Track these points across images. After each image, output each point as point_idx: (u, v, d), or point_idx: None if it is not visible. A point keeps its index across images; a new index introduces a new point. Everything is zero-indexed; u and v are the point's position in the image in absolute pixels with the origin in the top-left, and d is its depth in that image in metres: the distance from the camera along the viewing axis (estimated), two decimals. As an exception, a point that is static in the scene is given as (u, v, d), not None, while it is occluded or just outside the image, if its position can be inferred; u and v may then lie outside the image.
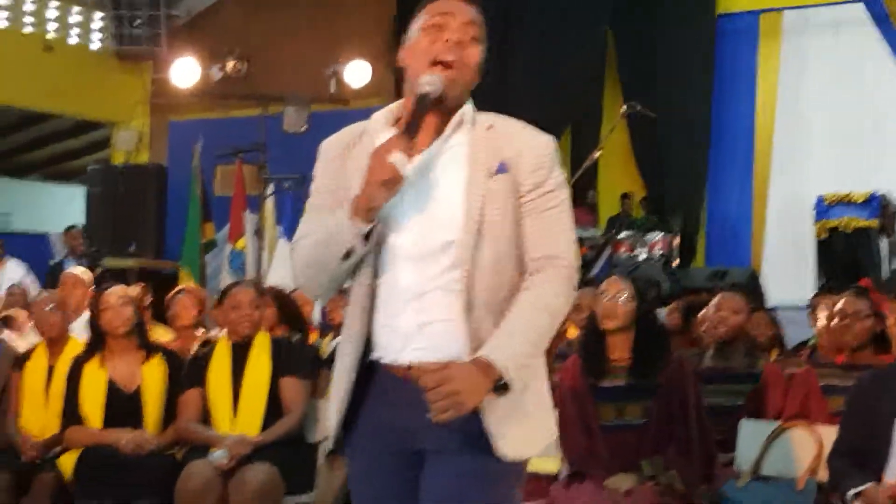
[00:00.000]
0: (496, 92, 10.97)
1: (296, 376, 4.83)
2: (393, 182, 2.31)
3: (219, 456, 4.51)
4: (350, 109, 9.76)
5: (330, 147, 2.59)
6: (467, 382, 2.29)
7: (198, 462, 4.55)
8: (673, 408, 4.11)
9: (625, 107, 7.83)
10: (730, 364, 4.83)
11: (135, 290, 5.91)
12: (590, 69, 11.34)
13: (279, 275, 8.68)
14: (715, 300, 4.95)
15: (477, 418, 2.38)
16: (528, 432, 2.44)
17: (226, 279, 9.28)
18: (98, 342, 4.98)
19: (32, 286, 8.14)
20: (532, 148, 2.45)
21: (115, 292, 5.00)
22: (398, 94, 2.61)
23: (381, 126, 2.51)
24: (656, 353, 4.22)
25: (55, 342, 5.21)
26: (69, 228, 9.37)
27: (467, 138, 2.46)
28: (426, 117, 2.41)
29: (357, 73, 9.95)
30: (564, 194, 2.48)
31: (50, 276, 8.75)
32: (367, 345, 2.48)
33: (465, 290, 2.39)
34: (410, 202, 2.42)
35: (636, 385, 4.17)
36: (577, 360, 4.33)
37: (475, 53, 2.46)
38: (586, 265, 10.52)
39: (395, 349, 2.45)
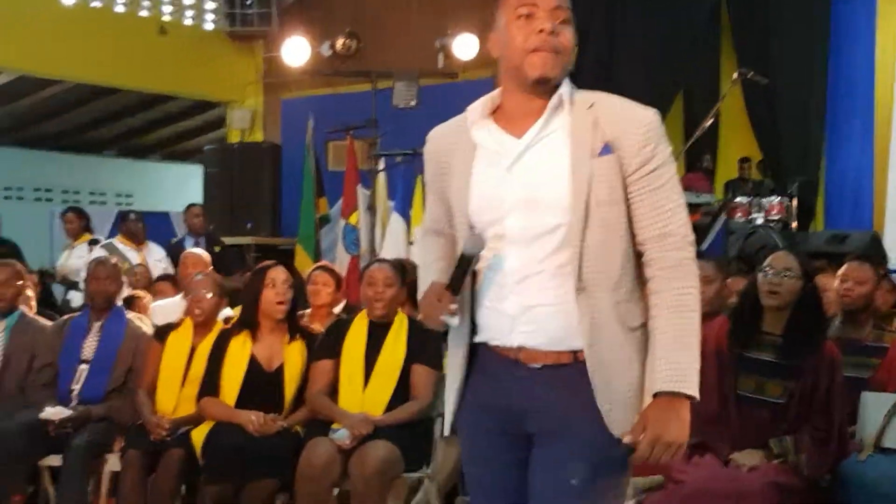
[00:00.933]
0: (606, 59, 10.89)
1: (427, 365, 4.85)
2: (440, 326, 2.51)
3: (341, 435, 4.59)
4: (459, 82, 9.76)
5: (431, 143, 2.64)
6: (672, 430, 2.36)
7: (319, 440, 4.63)
8: (818, 393, 4.02)
9: (735, 74, 7.66)
10: (858, 335, 4.71)
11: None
12: (702, 33, 11.13)
13: (392, 249, 8.76)
14: (841, 270, 4.82)
15: (584, 400, 2.40)
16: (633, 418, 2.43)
17: (340, 254, 9.41)
18: (249, 318, 5.07)
19: (169, 269, 8.39)
20: (636, 126, 2.41)
21: (281, 273, 5.05)
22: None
23: (477, 117, 2.52)
24: (810, 335, 4.11)
25: (203, 325, 5.30)
26: (189, 206, 9.57)
27: (568, 119, 2.44)
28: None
29: (465, 45, 9.94)
30: (672, 169, 2.45)
31: (171, 254, 8.97)
32: (472, 326, 2.55)
33: (575, 272, 2.39)
34: (515, 188, 2.44)
35: (781, 363, 4.09)
36: (726, 323, 4.25)
37: (568, 36, 2.45)
38: (701, 231, 10.37)
39: (502, 331, 2.49)
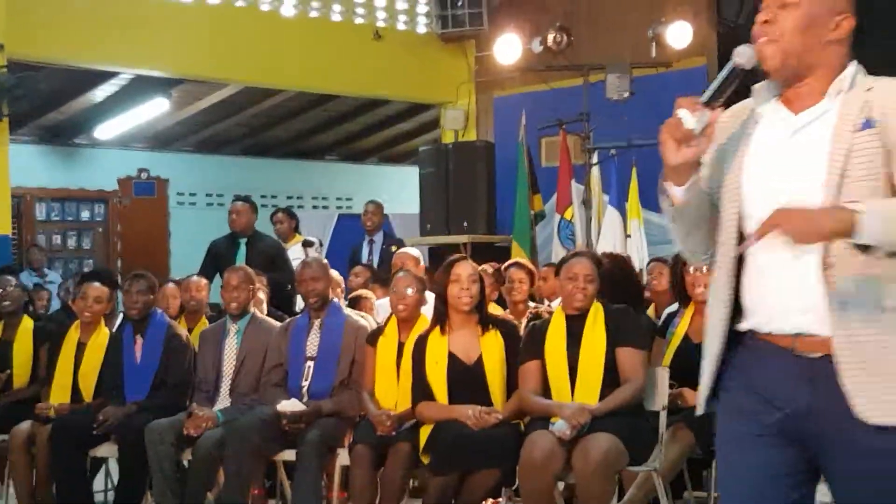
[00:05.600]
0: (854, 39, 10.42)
1: (632, 346, 4.83)
2: (678, 136, 2.34)
3: (560, 426, 4.59)
4: (673, 71, 9.58)
5: (722, 118, 2.55)
6: (799, 217, 2.21)
7: (540, 432, 4.64)
8: None
9: None
10: None
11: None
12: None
13: (608, 243, 8.70)
14: None
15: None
16: None
17: (556, 249, 9.41)
18: (442, 315, 5.16)
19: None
20: None
21: (467, 268, 5.12)
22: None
23: (764, 92, 2.50)
24: None
25: (407, 320, 5.43)
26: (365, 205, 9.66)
27: (842, 101, 2.39)
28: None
29: (678, 33, 9.75)
30: None
31: (352, 258, 9.18)
32: (739, 312, 2.46)
33: (822, 250, 2.31)
34: (774, 171, 2.41)
35: None
36: None
37: (789, 19, 2.39)
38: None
39: (771, 318, 2.40)
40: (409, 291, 5.42)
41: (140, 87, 12.23)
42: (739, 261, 2.45)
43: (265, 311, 6.37)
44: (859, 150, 2.31)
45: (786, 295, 2.37)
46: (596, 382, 4.80)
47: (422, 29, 12.06)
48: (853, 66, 2.44)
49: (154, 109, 13.02)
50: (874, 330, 2.28)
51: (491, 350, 5.05)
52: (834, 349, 2.29)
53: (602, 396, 4.76)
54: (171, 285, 6.91)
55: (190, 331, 6.36)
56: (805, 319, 2.34)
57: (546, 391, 4.89)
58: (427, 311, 5.53)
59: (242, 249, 8.16)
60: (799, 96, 2.44)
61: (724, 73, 2.39)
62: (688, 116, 2.33)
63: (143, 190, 14.41)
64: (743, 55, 2.39)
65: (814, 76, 2.42)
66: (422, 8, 12.00)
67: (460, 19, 11.45)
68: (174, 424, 5.53)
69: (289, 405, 5.33)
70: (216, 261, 8.04)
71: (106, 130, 13.68)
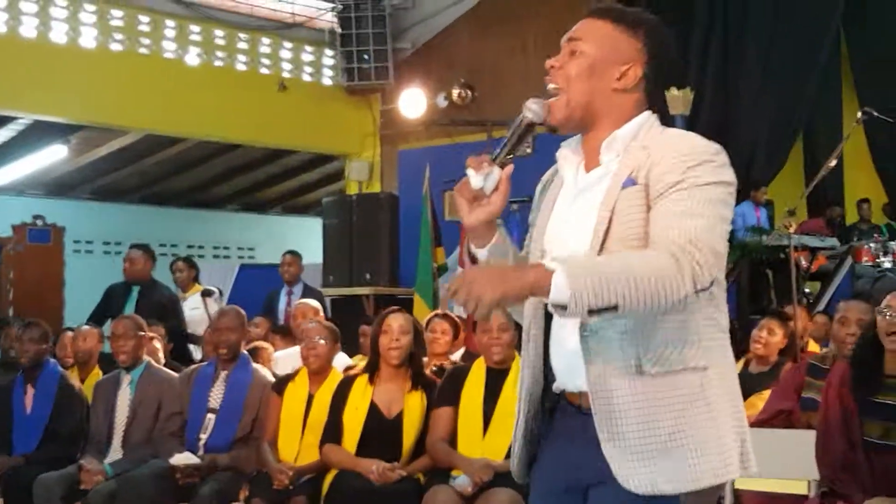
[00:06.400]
0: (723, 102, 10.75)
1: None
2: (467, 196, 2.23)
3: (462, 482, 4.56)
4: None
5: (540, 182, 2.55)
6: (485, 275, 2.07)
7: (441, 486, 4.62)
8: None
9: (859, 114, 7.48)
10: None
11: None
12: (822, 73, 10.93)
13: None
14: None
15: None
16: (670, 469, 2.18)
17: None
18: (373, 364, 5.09)
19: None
20: (670, 155, 2.21)
21: (398, 319, 5.08)
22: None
23: (568, 153, 2.41)
24: None
25: (318, 372, 5.36)
26: (283, 255, 9.56)
27: (622, 157, 2.29)
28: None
29: (580, 92, 9.94)
30: (700, 192, 2.17)
31: (266, 307, 9.10)
32: (550, 373, 2.39)
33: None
34: (558, 233, 2.35)
35: None
36: (847, 369, 4.13)
37: (569, 70, 2.32)
38: (827, 275, 10.13)
39: (565, 375, 2.34)
40: (320, 340, 5.36)
41: (38, 133, 12.01)
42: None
43: (161, 361, 6.24)
44: (623, 208, 2.21)
45: (569, 355, 2.29)
46: (506, 439, 4.74)
47: (327, 81, 12.08)
48: (638, 119, 2.33)
49: (52, 155, 12.80)
50: (631, 396, 2.20)
51: (413, 408, 5.00)
52: (593, 411, 2.23)
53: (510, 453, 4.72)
54: (69, 333, 6.74)
55: (82, 381, 6.21)
56: (583, 380, 2.25)
57: (455, 438, 4.86)
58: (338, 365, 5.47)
59: (134, 297, 8.04)
60: (591, 151, 2.34)
61: (513, 128, 2.28)
62: (473, 175, 2.21)
63: (38, 237, 14.07)
64: (531, 109, 2.28)
65: (601, 128, 2.32)
66: (328, 60, 12.04)
67: (366, 72, 11.50)
68: (64, 478, 5.37)
69: (182, 458, 5.21)
70: (108, 304, 7.96)
71: (1, 176, 13.38)
